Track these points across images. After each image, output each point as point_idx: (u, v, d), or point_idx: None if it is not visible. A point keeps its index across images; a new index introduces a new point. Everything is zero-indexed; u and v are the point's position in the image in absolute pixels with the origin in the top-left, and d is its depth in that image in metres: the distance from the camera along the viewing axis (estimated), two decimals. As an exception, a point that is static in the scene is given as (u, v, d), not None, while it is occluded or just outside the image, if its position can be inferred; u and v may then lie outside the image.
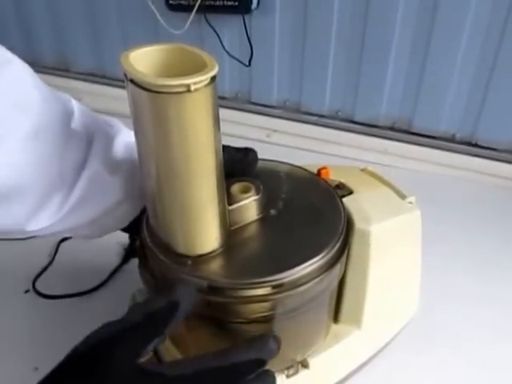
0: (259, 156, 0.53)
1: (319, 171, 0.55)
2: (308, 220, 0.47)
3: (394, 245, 0.53)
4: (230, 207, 0.44)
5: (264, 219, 0.47)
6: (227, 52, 1.03)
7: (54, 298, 0.68)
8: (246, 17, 0.99)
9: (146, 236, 0.45)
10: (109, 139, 0.49)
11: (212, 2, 0.97)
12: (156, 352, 0.50)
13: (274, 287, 0.41)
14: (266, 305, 0.41)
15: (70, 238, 0.75)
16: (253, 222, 0.46)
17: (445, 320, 0.65)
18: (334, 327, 0.54)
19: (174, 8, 1.02)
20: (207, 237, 0.42)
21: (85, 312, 0.66)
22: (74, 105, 0.48)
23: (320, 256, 0.42)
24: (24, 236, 0.47)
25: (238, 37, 1.03)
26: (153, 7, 1.00)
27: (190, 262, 0.41)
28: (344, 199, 0.51)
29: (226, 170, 0.41)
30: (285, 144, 1.08)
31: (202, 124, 0.36)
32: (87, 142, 0.47)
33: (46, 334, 0.63)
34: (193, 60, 0.36)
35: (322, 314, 0.50)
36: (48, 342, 0.62)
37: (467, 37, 0.87)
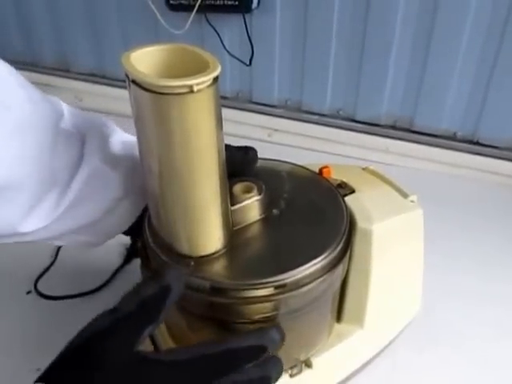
0: (261, 155, 0.53)
1: (321, 170, 0.55)
2: (310, 220, 0.47)
3: (396, 243, 0.53)
4: (233, 207, 0.44)
5: (266, 219, 0.47)
6: (228, 51, 1.03)
7: (56, 298, 0.68)
8: (247, 16, 0.99)
9: (148, 237, 0.45)
10: (105, 137, 0.49)
11: (212, 2, 0.97)
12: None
13: (277, 288, 0.41)
14: (269, 305, 0.41)
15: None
16: (255, 222, 0.46)
17: (447, 318, 0.65)
18: (337, 327, 0.55)
19: (174, 8, 1.01)
20: (210, 237, 0.42)
21: (87, 313, 0.65)
22: (64, 107, 0.48)
23: (323, 256, 0.43)
24: (18, 240, 0.46)
25: (238, 36, 1.03)
26: (153, 7, 1.00)
27: (192, 263, 0.41)
28: (346, 198, 0.51)
29: (227, 169, 0.41)
30: (286, 143, 1.08)
31: (205, 125, 0.36)
32: (80, 140, 0.47)
33: (47, 335, 0.63)
34: (194, 60, 0.36)
35: (325, 313, 0.50)
36: (50, 342, 0.62)
37: (468, 36, 0.87)
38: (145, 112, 0.35)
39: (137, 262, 0.72)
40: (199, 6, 0.96)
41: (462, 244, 0.78)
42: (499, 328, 0.64)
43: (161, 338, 0.52)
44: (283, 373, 0.47)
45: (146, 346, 0.41)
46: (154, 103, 0.34)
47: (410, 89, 0.96)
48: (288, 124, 1.08)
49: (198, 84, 0.33)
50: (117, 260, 0.73)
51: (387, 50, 0.93)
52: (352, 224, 0.49)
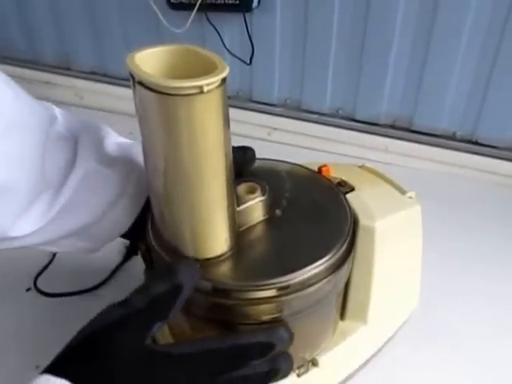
0: (260, 154, 0.53)
1: (320, 169, 0.55)
2: (314, 219, 0.47)
3: (396, 240, 0.54)
4: (237, 209, 0.44)
5: (270, 220, 0.47)
6: (228, 50, 1.03)
7: (56, 296, 0.68)
8: (247, 15, 0.99)
9: (152, 239, 0.45)
10: (99, 139, 0.49)
11: (213, 1, 0.97)
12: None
13: (282, 289, 0.40)
14: (274, 306, 0.41)
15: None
16: (259, 223, 0.46)
17: (445, 318, 0.65)
18: (341, 324, 0.55)
19: (175, 7, 1.02)
20: (217, 240, 0.41)
21: (86, 310, 0.65)
22: (57, 111, 0.48)
23: (328, 256, 0.43)
24: (8, 245, 0.45)
25: (238, 35, 1.03)
26: (154, 6, 1.00)
27: (199, 266, 0.41)
28: (347, 196, 0.51)
29: None
30: (286, 142, 1.08)
31: (213, 125, 0.35)
32: (73, 143, 0.47)
33: (47, 332, 0.63)
34: (199, 61, 0.36)
35: (331, 312, 0.50)
36: (49, 340, 0.62)
37: (467, 36, 0.87)
38: (151, 113, 0.35)
39: (136, 260, 0.72)
40: (200, 4, 0.96)
41: (460, 243, 0.79)
42: (497, 327, 0.64)
43: (161, 337, 0.52)
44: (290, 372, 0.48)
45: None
46: (161, 104, 0.34)
47: (409, 88, 0.96)
48: (287, 123, 1.08)
49: (207, 85, 0.33)
50: (116, 258, 0.74)
51: (387, 49, 0.93)
52: (354, 222, 0.49)
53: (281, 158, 0.57)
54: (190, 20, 0.98)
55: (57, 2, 1.20)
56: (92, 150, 0.47)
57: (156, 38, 1.10)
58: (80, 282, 0.70)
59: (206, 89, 0.33)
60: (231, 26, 1.03)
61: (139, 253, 0.50)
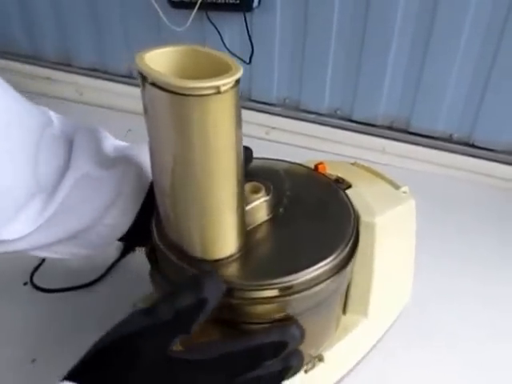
0: (258, 153, 0.53)
1: (316, 166, 0.55)
2: (317, 217, 0.48)
3: (394, 234, 0.55)
4: None
5: (274, 220, 0.46)
6: (228, 49, 1.03)
7: (52, 291, 0.69)
8: (248, 15, 0.99)
9: (157, 239, 0.44)
10: (95, 141, 0.48)
11: (214, 0, 0.97)
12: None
13: (291, 288, 0.40)
14: (284, 305, 0.41)
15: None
16: (263, 222, 0.46)
17: (441, 319, 0.66)
18: (343, 318, 0.55)
19: (176, 5, 1.02)
20: (226, 241, 0.41)
21: (83, 306, 0.66)
22: (53, 115, 0.47)
23: (335, 255, 0.43)
24: (2, 250, 0.44)
25: (238, 34, 1.03)
26: (155, 4, 1.01)
27: (209, 266, 0.41)
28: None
29: None
30: (283, 141, 1.09)
31: (226, 126, 0.35)
32: (68, 145, 0.46)
33: (43, 327, 0.63)
34: (208, 61, 0.36)
35: (335, 309, 0.51)
36: (45, 334, 0.63)
37: (466, 37, 0.87)
38: (162, 113, 0.35)
39: (133, 256, 0.73)
40: (201, 3, 0.96)
41: (455, 245, 0.79)
42: (492, 329, 0.65)
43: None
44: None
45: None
46: (174, 104, 0.33)
47: (407, 89, 0.97)
48: (286, 122, 1.09)
49: (224, 85, 0.32)
50: (113, 254, 0.74)
51: (386, 49, 0.94)
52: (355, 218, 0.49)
53: (279, 157, 0.57)
54: (190, 19, 0.98)
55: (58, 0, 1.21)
56: (87, 152, 0.46)
57: (156, 36, 1.10)
58: (76, 277, 0.70)
59: (222, 89, 0.32)
60: (231, 26, 1.04)
61: (144, 252, 0.49)
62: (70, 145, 0.46)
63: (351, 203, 0.49)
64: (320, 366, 0.51)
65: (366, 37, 0.94)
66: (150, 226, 0.46)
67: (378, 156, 1.01)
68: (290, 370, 0.39)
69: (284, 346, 0.38)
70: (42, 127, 0.44)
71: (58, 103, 1.22)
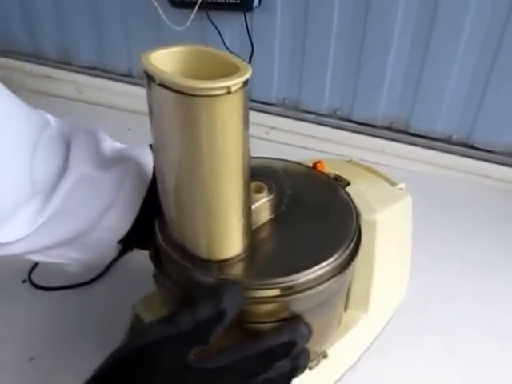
0: (258, 153, 0.52)
1: (314, 165, 0.55)
2: (320, 215, 0.47)
3: (393, 230, 0.55)
4: None
5: (276, 219, 0.46)
6: (228, 49, 1.03)
7: (50, 289, 0.69)
8: (248, 15, 0.99)
9: (161, 240, 0.44)
10: (93, 143, 0.47)
11: (214, 0, 0.97)
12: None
13: (296, 286, 0.40)
14: (291, 304, 0.41)
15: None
16: (266, 222, 0.46)
17: (440, 320, 0.66)
18: (344, 314, 0.55)
19: (176, 4, 1.02)
20: (232, 242, 0.41)
21: (81, 304, 0.66)
22: (50, 118, 0.47)
23: (340, 252, 0.43)
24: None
25: (238, 34, 1.04)
26: (155, 3, 1.01)
27: (214, 267, 0.41)
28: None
29: None
30: (283, 141, 1.09)
31: (234, 127, 0.35)
32: (66, 147, 0.45)
33: (41, 326, 0.64)
34: (214, 62, 0.36)
35: (339, 306, 0.51)
36: (44, 333, 0.63)
37: (466, 38, 0.87)
38: (169, 113, 0.34)
39: (131, 255, 0.73)
40: (201, 3, 0.96)
41: (454, 246, 0.79)
42: (491, 330, 0.65)
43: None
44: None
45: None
46: (182, 105, 0.33)
47: (407, 90, 0.97)
48: (285, 122, 1.09)
49: (234, 85, 0.32)
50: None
51: (386, 49, 0.94)
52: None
53: (278, 157, 0.57)
54: (190, 18, 0.98)
55: (59, -2, 1.21)
56: (86, 153, 0.46)
57: (156, 35, 1.10)
58: (74, 276, 0.69)
59: (233, 89, 0.32)
60: (231, 25, 1.04)
61: (148, 254, 0.48)
62: (67, 146, 0.45)
63: (352, 201, 0.49)
64: (324, 363, 0.51)
65: (365, 37, 0.95)
66: (149, 227, 0.46)
67: (377, 156, 1.01)
68: (298, 369, 0.40)
69: (293, 346, 0.39)
70: (40, 129, 0.44)
71: (57, 102, 1.22)
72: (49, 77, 1.29)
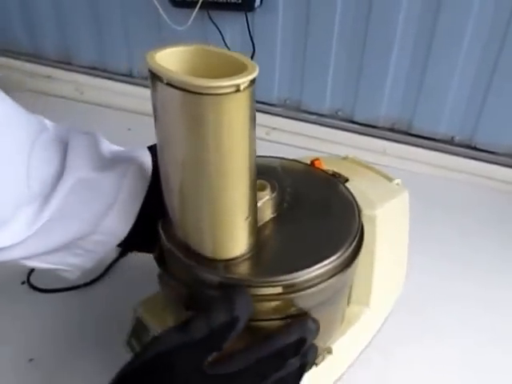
0: (258, 153, 0.52)
1: (312, 162, 0.55)
2: (322, 213, 0.47)
3: (392, 225, 0.55)
4: None
5: (279, 217, 0.46)
6: (229, 49, 1.03)
7: (50, 291, 0.68)
8: (249, 15, 0.99)
9: (165, 240, 0.44)
10: (92, 145, 0.47)
11: (215, -1, 0.97)
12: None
13: (303, 283, 0.40)
14: (299, 300, 0.41)
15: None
16: (269, 221, 0.46)
17: (441, 322, 0.65)
18: (347, 309, 0.56)
19: (177, 4, 1.02)
20: (238, 241, 0.41)
21: (80, 306, 0.66)
22: (48, 122, 0.46)
23: (344, 248, 0.43)
24: None
25: (240, 34, 1.03)
26: (156, 3, 1.01)
27: (220, 265, 0.40)
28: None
29: None
30: (284, 142, 1.09)
31: (241, 125, 0.35)
32: (63, 150, 0.45)
33: (41, 327, 0.63)
34: (220, 61, 0.35)
35: (344, 301, 0.51)
36: (43, 334, 0.63)
37: (468, 39, 0.87)
38: (175, 112, 0.34)
39: (131, 257, 0.72)
40: (202, 2, 0.96)
41: (456, 248, 0.79)
42: (493, 332, 0.65)
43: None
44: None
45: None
46: (189, 104, 0.33)
47: (409, 91, 0.97)
48: (286, 123, 1.09)
49: (243, 83, 0.32)
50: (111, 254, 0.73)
51: (388, 50, 0.94)
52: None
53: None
54: (191, 18, 0.98)
55: (59, -3, 1.21)
56: (83, 156, 0.45)
57: (157, 35, 1.10)
58: (74, 277, 0.69)
59: (242, 87, 0.32)
60: (233, 25, 1.03)
61: (153, 256, 0.48)
62: (65, 148, 0.45)
63: (354, 197, 0.49)
64: (329, 358, 0.51)
65: (367, 38, 0.94)
66: (149, 229, 0.46)
67: (378, 157, 1.00)
68: (307, 365, 0.40)
69: (303, 342, 0.39)
70: (37, 132, 0.43)
71: (57, 101, 1.22)
72: (49, 77, 1.28)
